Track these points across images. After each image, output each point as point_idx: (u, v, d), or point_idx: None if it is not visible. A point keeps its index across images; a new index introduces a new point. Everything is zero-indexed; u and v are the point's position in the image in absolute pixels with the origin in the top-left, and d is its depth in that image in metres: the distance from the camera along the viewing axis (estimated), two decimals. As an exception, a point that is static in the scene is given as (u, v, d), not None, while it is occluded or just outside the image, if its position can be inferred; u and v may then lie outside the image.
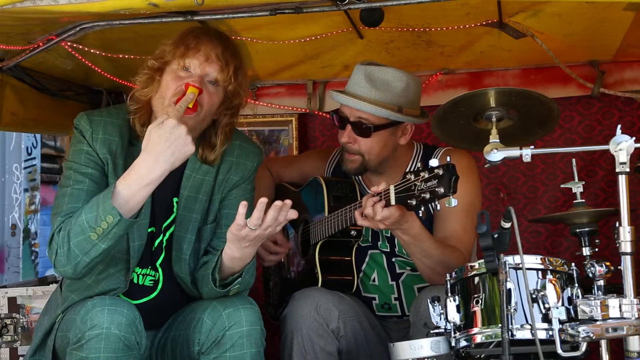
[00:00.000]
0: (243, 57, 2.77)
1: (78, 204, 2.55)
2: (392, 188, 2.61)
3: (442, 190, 2.42)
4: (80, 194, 2.58)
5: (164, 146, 2.45)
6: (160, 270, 2.76)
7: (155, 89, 2.65)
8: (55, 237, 2.53)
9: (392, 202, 2.60)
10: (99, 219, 2.44)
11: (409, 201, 2.53)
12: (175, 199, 2.75)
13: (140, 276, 2.74)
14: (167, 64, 2.65)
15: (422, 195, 2.48)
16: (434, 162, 2.47)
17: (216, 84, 2.65)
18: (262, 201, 2.45)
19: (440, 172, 2.44)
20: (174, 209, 2.75)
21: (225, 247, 2.60)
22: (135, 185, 2.47)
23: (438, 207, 2.51)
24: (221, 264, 2.63)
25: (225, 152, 2.81)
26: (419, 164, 2.54)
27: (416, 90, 3.09)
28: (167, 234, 2.76)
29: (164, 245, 2.76)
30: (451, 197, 2.43)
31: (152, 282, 2.76)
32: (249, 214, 2.47)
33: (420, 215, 2.56)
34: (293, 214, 2.51)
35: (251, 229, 2.48)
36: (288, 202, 2.49)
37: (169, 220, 2.75)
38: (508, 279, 2.32)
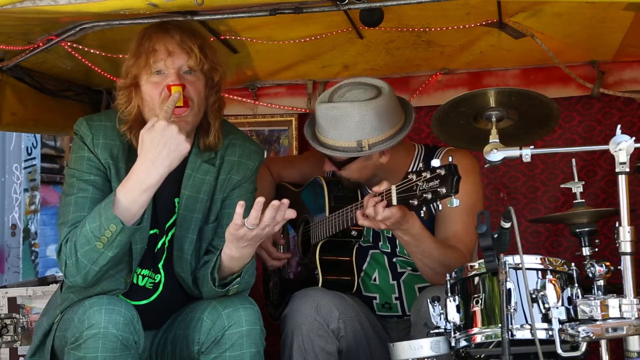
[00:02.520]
0: (201, 32, 2.75)
1: (83, 213, 2.56)
2: (393, 188, 2.61)
3: (444, 190, 2.42)
4: (84, 202, 2.59)
5: (158, 149, 2.46)
6: (162, 272, 2.76)
7: (137, 103, 2.64)
8: (63, 248, 2.54)
9: (394, 202, 2.60)
10: (102, 228, 2.46)
11: (410, 201, 2.53)
12: (176, 200, 2.75)
13: (140, 277, 2.74)
14: (137, 78, 2.63)
15: (424, 195, 2.48)
16: (435, 162, 2.47)
17: (192, 71, 2.63)
18: (259, 201, 2.45)
19: (442, 172, 2.44)
20: (176, 209, 2.75)
21: (224, 247, 2.60)
22: (135, 191, 2.48)
23: (440, 207, 2.51)
24: (220, 263, 2.63)
25: (227, 152, 2.81)
26: (420, 165, 2.54)
27: (377, 115, 2.91)
28: (170, 235, 2.76)
29: (166, 246, 2.76)
30: (453, 197, 2.42)
31: (152, 284, 2.76)
32: (247, 213, 2.47)
33: (422, 215, 2.55)
34: (291, 213, 2.50)
35: (249, 228, 2.48)
36: (285, 201, 2.48)
37: (171, 221, 2.76)
38: (508, 279, 2.32)
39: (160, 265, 2.76)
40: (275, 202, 2.47)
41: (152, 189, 2.50)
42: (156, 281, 2.76)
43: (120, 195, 2.48)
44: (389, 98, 2.97)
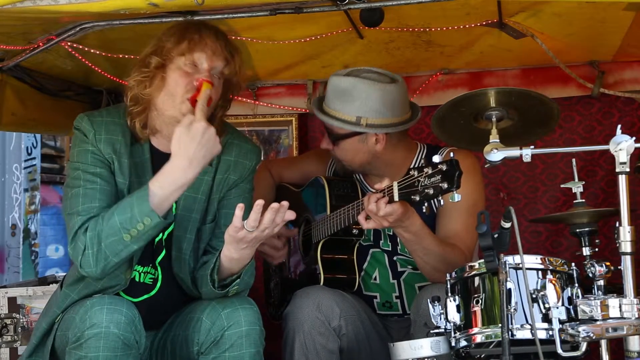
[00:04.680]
0: (240, 51, 2.79)
1: (94, 203, 2.57)
2: (395, 184, 2.61)
3: (445, 185, 2.43)
4: (94, 193, 2.59)
5: (197, 149, 2.50)
6: (159, 268, 2.77)
7: (159, 87, 2.63)
8: (80, 237, 2.54)
9: (396, 198, 2.61)
10: (134, 220, 2.48)
11: (412, 197, 2.53)
12: None
13: (142, 274, 2.75)
14: (170, 60, 2.63)
15: (426, 190, 2.48)
16: (437, 158, 2.48)
17: (220, 77, 2.66)
18: (259, 203, 2.45)
19: (444, 167, 2.45)
20: (173, 209, 2.75)
21: (224, 249, 2.59)
22: (170, 187, 2.51)
23: (442, 203, 2.51)
24: (219, 265, 2.63)
25: (224, 152, 2.80)
26: (422, 161, 2.55)
27: (382, 99, 2.98)
28: (166, 233, 2.76)
29: (163, 243, 2.76)
30: (455, 192, 2.43)
31: (152, 280, 2.76)
32: (246, 214, 2.47)
33: (424, 210, 2.56)
34: (290, 215, 2.51)
35: (248, 231, 2.48)
36: (285, 203, 2.48)
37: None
38: (508, 279, 2.32)
39: (157, 262, 2.76)
40: (274, 205, 2.47)
41: (186, 186, 2.54)
42: (155, 276, 2.77)
43: (156, 190, 2.50)
44: (400, 90, 3.05)
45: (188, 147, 2.49)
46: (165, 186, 2.51)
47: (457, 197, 2.43)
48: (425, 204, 2.53)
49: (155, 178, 2.54)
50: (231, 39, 2.75)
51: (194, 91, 2.58)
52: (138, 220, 2.48)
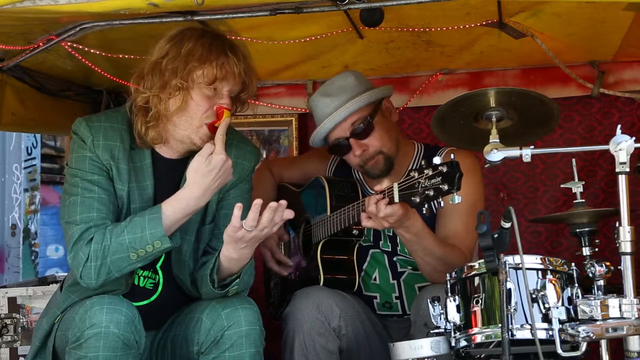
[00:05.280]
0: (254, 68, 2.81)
1: (92, 213, 2.58)
2: (395, 186, 2.61)
3: (446, 187, 2.43)
4: (92, 202, 2.60)
5: (213, 180, 2.55)
6: (160, 272, 2.76)
7: (178, 106, 2.59)
8: (81, 248, 2.54)
9: (396, 199, 2.61)
10: (144, 241, 2.52)
11: (412, 198, 2.54)
12: None
13: (142, 278, 2.74)
14: (192, 82, 2.58)
15: (426, 192, 2.48)
16: (437, 160, 2.48)
17: (233, 98, 2.67)
18: (257, 202, 2.46)
19: (444, 169, 2.45)
20: None
21: (223, 249, 2.60)
22: (182, 213, 2.58)
23: (442, 204, 2.51)
24: (219, 265, 2.63)
25: None
26: (422, 162, 2.55)
27: (363, 76, 3.22)
28: None
29: None
30: (455, 194, 2.43)
31: (153, 285, 2.76)
32: (245, 214, 2.48)
33: (424, 212, 2.56)
34: (289, 214, 2.51)
35: (247, 230, 2.48)
36: (283, 202, 2.49)
37: None
38: (508, 279, 2.32)
39: (158, 267, 2.76)
40: (272, 204, 2.47)
41: (195, 212, 2.61)
42: (156, 281, 2.76)
43: (169, 213, 2.55)
44: (358, 77, 3.18)
45: (205, 178, 2.54)
46: (178, 212, 2.56)
47: (457, 198, 2.43)
48: (426, 206, 2.53)
49: (168, 202, 2.57)
50: (249, 58, 2.72)
51: (214, 117, 2.60)
52: (148, 243, 2.52)
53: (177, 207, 2.56)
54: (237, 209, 2.47)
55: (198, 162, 2.54)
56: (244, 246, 2.55)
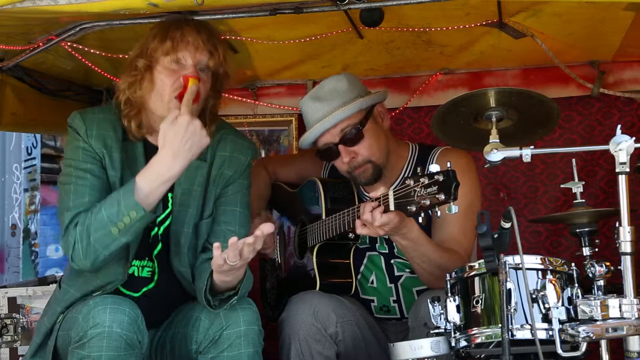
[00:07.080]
0: (224, 39, 2.81)
1: (84, 199, 2.60)
2: (391, 193, 2.59)
3: (442, 197, 2.40)
4: (84, 190, 2.62)
5: (181, 143, 2.51)
6: (156, 261, 2.78)
7: (149, 88, 2.65)
8: (70, 232, 2.57)
9: (391, 207, 2.58)
10: (120, 214, 2.50)
11: (408, 207, 2.51)
12: (170, 194, 2.75)
13: (140, 268, 2.76)
14: (155, 61, 2.65)
15: (422, 201, 2.45)
16: (434, 168, 2.44)
17: (206, 70, 2.67)
18: (232, 242, 2.40)
19: (441, 178, 2.42)
20: (169, 204, 2.76)
21: (214, 274, 2.57)
22: (156, 182, 2.53)
23: (439, 214, 2.49)
24: (213, 284, 2.61)
25: (218, 148, 2.82)
26: (418, 170, 2.52)
27: (356, 80, 3.16)
28: (162, 228, 2.77)
29: (159, 237, 2.77)
30: (452, 203, 2.41)
31: (150, 272, 2.78)
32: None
33: (420, 221, 2.55)
34: (269, 228, 2.43)
35: (231, 264, 2.45)
36: (259, 234, 2.41)
37: (163, 215, 2.77)
38: (508, 279, 2.32)
39: (154, 256, 2.78)
40: (249, 239, 2.41)
41: (172, 180, 2.57)
42: (152, 269, 2.78)
43: (141, 184, 2.52)
44: (351, 81, 3.11)
45: (172, 141, 2.51)
46: (151, 180, 2.53)
47: (454, 208, 2.41)
48: (422, 215, 2.51)
49: (141, 172, 2.56)
50: (213, 29, 2.75)
51: (181, 88, 2.61)
52: (124, 214, 2.50)
53: (149, 176, 2.54)
54: (216, 249, 2.43)
55: (164, 127, 2.53)
56: (233, 271, 2.52)
